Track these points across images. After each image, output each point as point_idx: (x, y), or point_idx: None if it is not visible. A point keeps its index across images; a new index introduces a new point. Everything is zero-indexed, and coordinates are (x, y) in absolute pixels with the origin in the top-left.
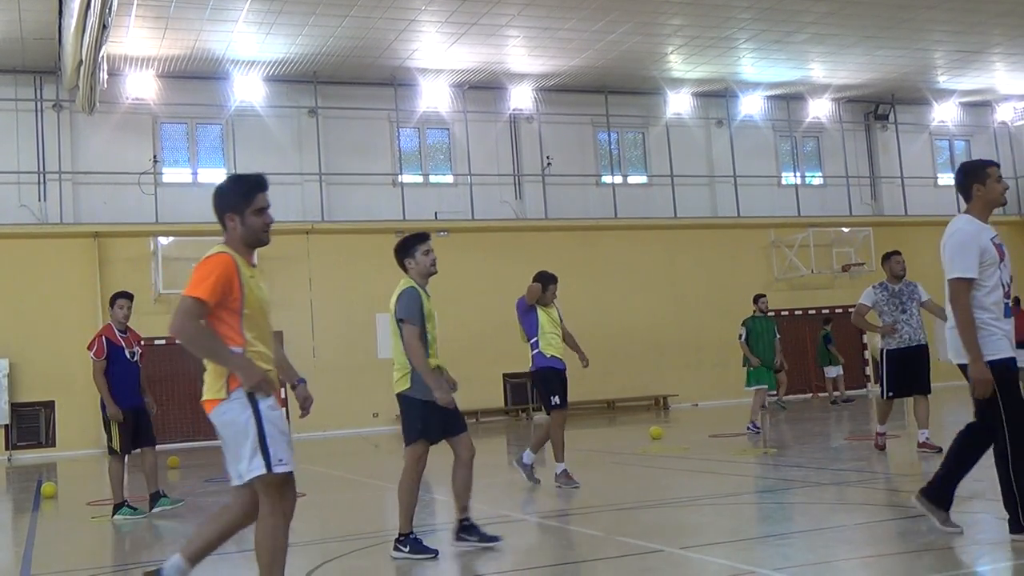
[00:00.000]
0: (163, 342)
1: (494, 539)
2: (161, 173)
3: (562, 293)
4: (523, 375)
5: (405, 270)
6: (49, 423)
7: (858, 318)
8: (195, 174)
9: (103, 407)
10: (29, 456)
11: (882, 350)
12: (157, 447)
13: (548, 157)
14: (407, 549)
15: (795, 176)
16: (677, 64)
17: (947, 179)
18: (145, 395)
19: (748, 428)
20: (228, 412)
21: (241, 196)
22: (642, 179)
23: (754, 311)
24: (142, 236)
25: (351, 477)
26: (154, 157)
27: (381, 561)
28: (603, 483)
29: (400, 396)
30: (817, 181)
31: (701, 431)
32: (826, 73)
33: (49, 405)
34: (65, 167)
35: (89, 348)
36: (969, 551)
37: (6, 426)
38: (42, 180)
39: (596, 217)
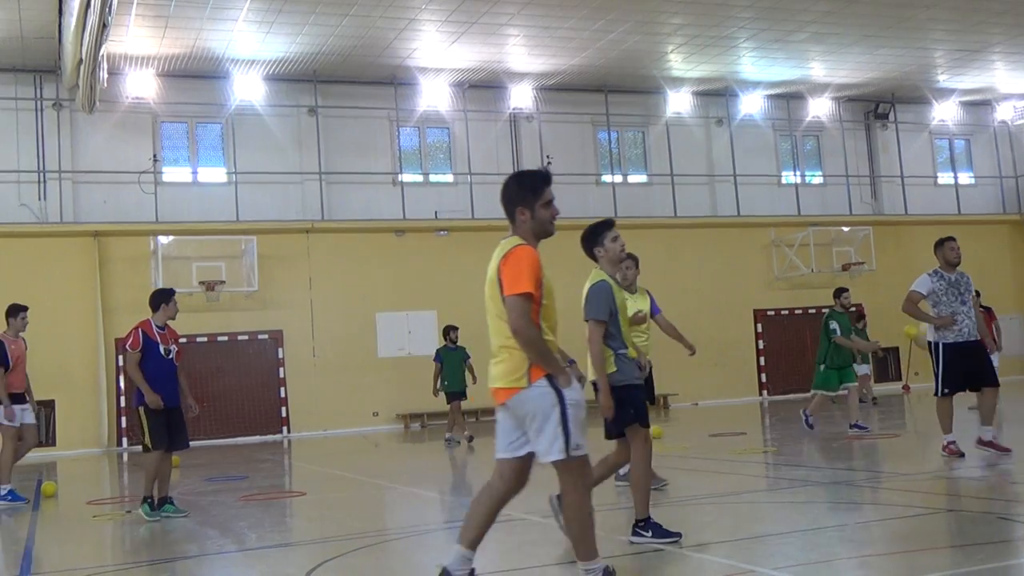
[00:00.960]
0: None
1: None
2: (161, 172)
3: (562, 293)
4: None
5: (595, 259)
6: (49, 422)
7: (911, 306)
8: (195, 173)
9: (137, 402)
10: (29, 455)
11: (935, 343)
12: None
13: (548, 156)
14: (649, 534)
15: (795, 175)
16: (677, 63)
17: (947, 178)
18: (185, 396)
19: (853, 427)
20: (530, 401)
21: (530, 190)
22: (642, 178)
23: (835, 305)
24: (142, 235)
25: (351, 476)
26: (154, 156)
27: (381, 561)
28: (603, 482)
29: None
30: (817, 180)
31: (701, 430)
32: (826, 72)
33: (49, 404)
34: (65, 166)
35: (124, 341)
36: (969, 550)
37: None
38: (42, 179)
39: (596, 216)
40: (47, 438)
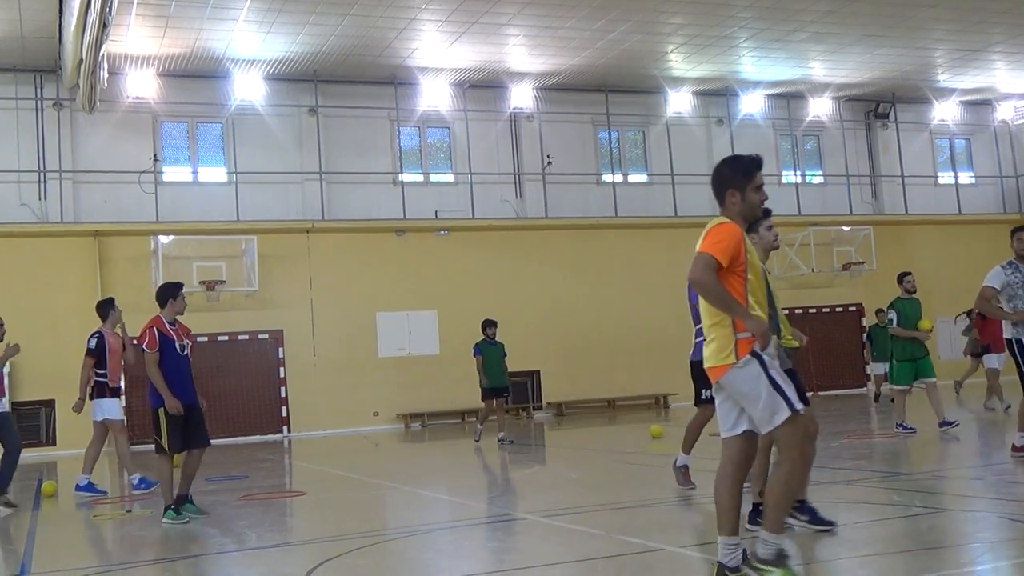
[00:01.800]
0: None
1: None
2: (161, 172)
3: (562, 292)
4: (523, 374)
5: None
6: (49, 422)
7: (984, 303)
8: (195, 173)
9: (157, 402)
10: (29, 455)
11: (1014, 340)
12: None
13: (548, 156)
14: (805, 518)
15: (795, 175)
16: (677, 63)
17: (947, 178)
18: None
19: (898, 428)
20: (739, 376)
21: (743, 174)
22: (642, 178)
23: (900, 293)
24: (142, 235)
25: (352, 476)
26: (154, 156)
27: (381, 560)
28: (603, 482)
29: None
30: (818, 180)
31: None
32: (826, 72)
33: (49, 404)
34: (65, 166)
35: (139, 341)
36: (968, 550)
37: None
38: (42, 179)
39: (596, 216)
40: (47, 438)
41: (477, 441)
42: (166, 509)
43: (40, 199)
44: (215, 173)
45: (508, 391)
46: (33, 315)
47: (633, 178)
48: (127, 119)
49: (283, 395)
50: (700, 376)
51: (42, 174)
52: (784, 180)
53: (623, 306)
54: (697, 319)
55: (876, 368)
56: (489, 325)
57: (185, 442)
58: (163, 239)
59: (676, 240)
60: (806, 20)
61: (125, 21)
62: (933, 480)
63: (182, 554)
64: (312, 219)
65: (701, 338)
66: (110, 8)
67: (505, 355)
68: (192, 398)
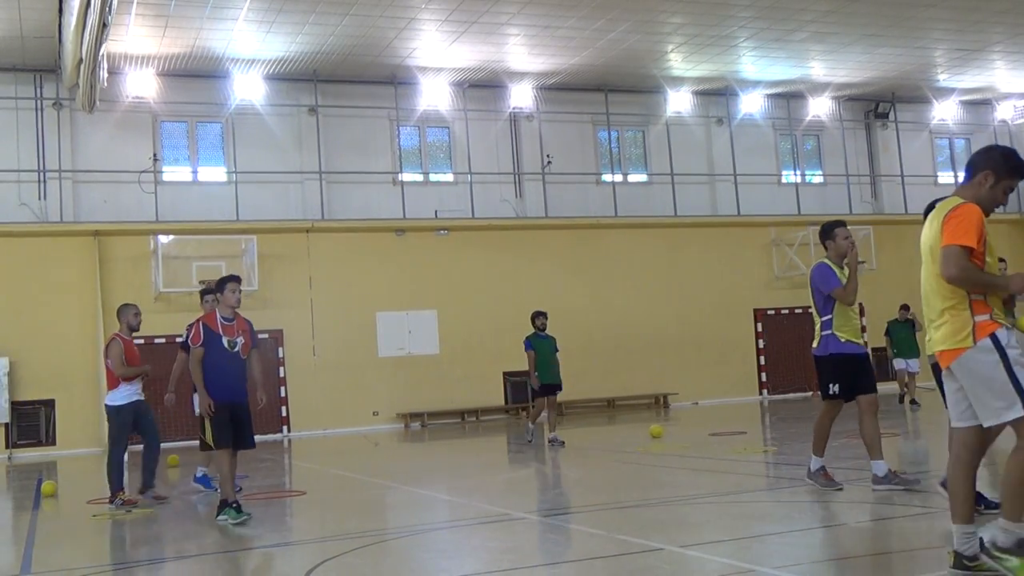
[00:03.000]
0: (163, 340)
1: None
2: (161, 171)
3: (562, 291)
4: (523, 374)
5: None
6: (49, 421)
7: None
8: (195, 172)
9: (194, 400)
10: (29, 455)
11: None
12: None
13: (548, 155)
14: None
15: (795, 174)
16: (677, 62)
17: (947, 178)
18: (255, 388)
19: None
20: (973, 360)
21: (1009, 171)
22: (642, 177)
23: None
24: (142, 235)
25: (352, 476)
26: (154, 155)
27: (381, 560)
28: (603, 481)
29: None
30: (817, 179)
31: (701, 429)
32: (826, 71)
33: (49, 403)
34: (65, 165)
35: (187, 335)
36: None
37: (6, 424)
38: (42, 179)
39: (596, 215)
40: (47, 438)
41: (530, 441)
42: (223, 506)
43: (40, 199)
44: (215, 173)
45: (560, 388)
46: (33, 315)
47: (633, 178)
48: (127, 119)
49: (283, 395)
50: (827, 370)
51: (42, 174)
52: (784, 180)
53: (623, 305)
54: (822, 311)
55: (899, 363)
56: (539, 316)
57: (235, 440)
58: (163, 239)
59: (676, 239)
60: (806, 20)
61: (125, 21)
62: (931, 480)
63: (182, 554)
64: (312, 219)
65: (827, 331)
66: (110, 8)
67: (557, 349)
68: (241, 397)
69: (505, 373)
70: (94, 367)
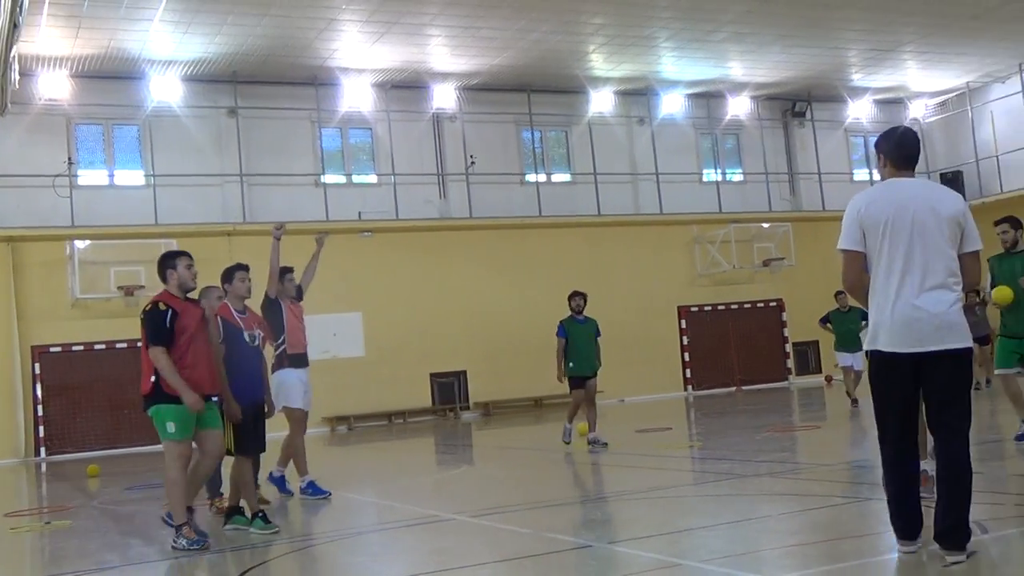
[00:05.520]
0: (81, 348)
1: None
2: (76, 175)
3: (487, 291)
4: (450, 375)
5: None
6: None
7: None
8: (111, 176)
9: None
10: None
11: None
12: (77, 455)
13: (472, 156)
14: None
15: (716, 173)
16: (599, 63)
17: (862, 175)
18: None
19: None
20: None
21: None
22: (566, 177)
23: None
24: (57, 240)
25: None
26: (69, 159)
27: (309, 565)
28: (532, 480)
29: None
30: (737, 178)
31: (628, 426)
32: (745, 71)
33: None
34: None
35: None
36: (886, 538)
37: None
38: None
39: (520, 215)
40: None
41: (568, 443)
42: (232, 514)
43: None
44: (132, 176)
45: (593, 376)
46: None
47: (556, 177)
48: (40, 121)
49: None
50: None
51: None
52: (705, 178)
53: (548, 305)
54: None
55: (843, 359)
56: (575, 296)
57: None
58: (79, 244)
59: (600, 238)
60: (724, 20)
61: (37, 21)
62: (853, 470)
63: (102, 565)
64: (233, 222)
65: None
66: (21, 8)
67: (599, 334)
68: (258, 395)
69: (432, 374)
70: (10, 377)
